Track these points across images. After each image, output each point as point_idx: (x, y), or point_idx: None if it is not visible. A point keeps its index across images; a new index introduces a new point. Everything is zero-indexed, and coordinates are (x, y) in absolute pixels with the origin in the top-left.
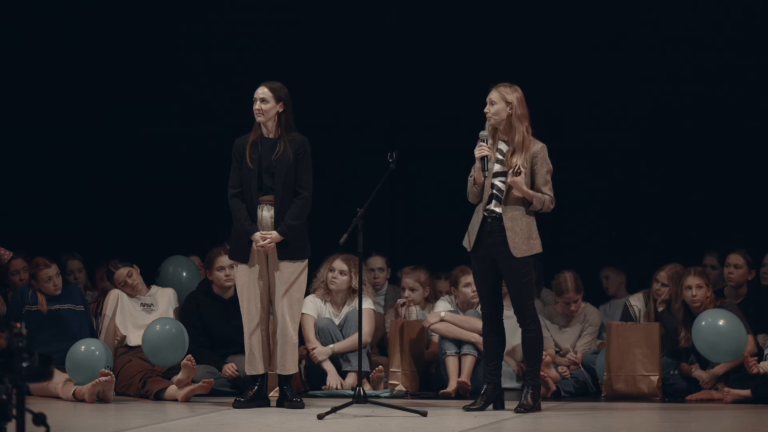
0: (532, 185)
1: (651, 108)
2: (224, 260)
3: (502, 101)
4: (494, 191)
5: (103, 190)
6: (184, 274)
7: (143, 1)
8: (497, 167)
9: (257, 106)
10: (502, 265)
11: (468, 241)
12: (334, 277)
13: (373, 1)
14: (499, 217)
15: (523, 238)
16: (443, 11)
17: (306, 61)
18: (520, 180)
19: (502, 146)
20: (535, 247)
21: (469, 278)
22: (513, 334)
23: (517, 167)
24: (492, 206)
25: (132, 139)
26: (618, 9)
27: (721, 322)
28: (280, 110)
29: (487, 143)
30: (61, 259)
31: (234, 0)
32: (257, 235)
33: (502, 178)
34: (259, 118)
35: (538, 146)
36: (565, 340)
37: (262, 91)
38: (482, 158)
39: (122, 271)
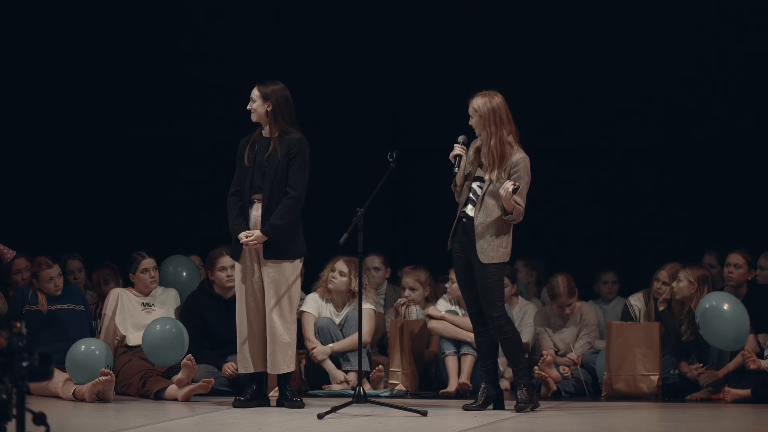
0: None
1: (651, 108)
2: (226, 260)
3: (475, 113)
4: (471, 195)
5: (103, 190)
6: (184, 274)
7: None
8: (478, 171)
9: (249, 106)
10: (473, 266)
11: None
12: (333, 277)
13: (374, 2)
14: (471, 221)
15: (493, 245)
16: (443, 11)
17: (306, 61)
18: (510, 195)
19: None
20: (503, 256)
21: (451, 274)
22: None
23: (514, 186)
24: (467, 209)
25: (133, 139)
26: (620, 9)
27: (725, 306)
28: (269, 109)
29: (461, 145)
30: (61, 259)
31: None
32: (241, 234)
33: (480, 183)
34: (253, 118)
35: (519, 156)
36: (562, 340)
37: (253, 91)
38: (455, 156)
39: (151, 261)
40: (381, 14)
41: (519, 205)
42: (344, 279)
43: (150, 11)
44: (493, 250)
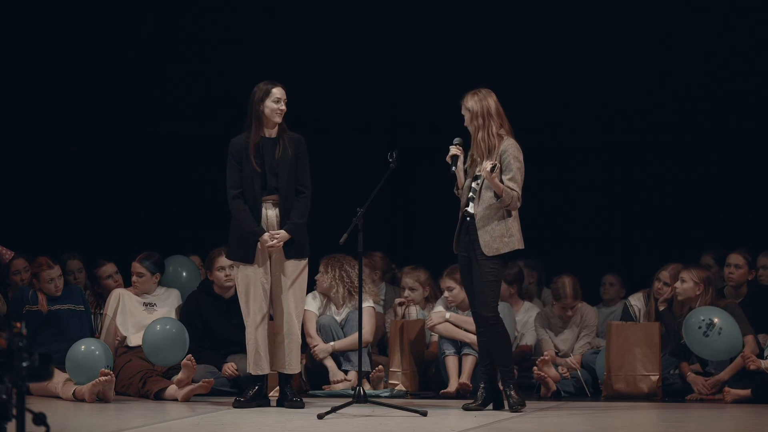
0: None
1: (651, 108)
2: (224, 260)
3: (467, 112)
4: (471, 193)
5: (103, 190)
6: (184, 274)
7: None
8: (476, 170)
9: (282, 107)
10: (474, 263)
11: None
12: (315, 278)
13: (374, 2)
14: (473, 218)
15: (495, 236)
16: (443, 11)
17: (306, 61)
18: (492, 175)
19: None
20: (510, 244)
21: (448, 282)
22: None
23: (494, 166)
24: (469, 208)
25: (132, 139)
26: (622, 8)
27: (715, 320)
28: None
29: (458, 147)
30: (61, 259)
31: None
32: (266, 235)
33: (478, 180)
34: (278, 119)
35: (507, 143)
36: (563, 341)
37: (284, 94)
38: (451, 157)
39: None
40: (381, 14)
41: (512, 189)
42: (322, 277)
43: (151, 11)
44: (496, 241)
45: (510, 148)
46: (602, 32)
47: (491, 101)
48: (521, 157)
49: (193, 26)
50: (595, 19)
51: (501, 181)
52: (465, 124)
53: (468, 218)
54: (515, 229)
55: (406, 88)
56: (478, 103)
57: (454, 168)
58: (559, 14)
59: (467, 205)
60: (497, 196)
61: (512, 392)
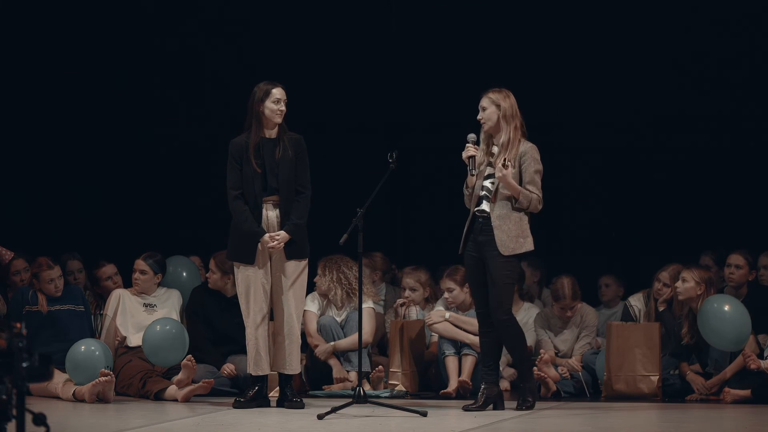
0: (519, 184)
1: (651, 109)
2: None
3: (492, 105)
4: (484, 192)
5: (103, 190)
6: (184, 274)
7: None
8: (488, 169)
9: (282, 107)
10: (489, 263)
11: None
12: (315, 281)
13: (374, 2)
14: (488, 217)
15: (512, 236)
16: (443, 11)
17: (306, 61)
18: (508, 173)
19: (495, 149)
20: (525, 245)
21: (448, 283)
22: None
23: (504, 161)
24: (482, 207)
25: (133, 140)
26: (620, 9)
27: (726, 308)
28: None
29: (473, 144)
30: (60, 259)
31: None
32: (266, 237)
33: (492, 180)
34: (278, 119)
35: (527, 146)
36: (563, 342)
37: (284, 94)
38: (469, 158)
39: (142, 265)
40: (381, 13)
41: (533, 192)
42: (320, 279)
43: (151, 11)
44: (512, 241)
45: (530, 150)
46: (602, 32)
47: (514, 102)
48: (539, 159)
49: (192, 27)
50: (596, 19)
51: (519, 183)
52: (482, 118)
53: (481, 219)
54: (528, 230)
55: (406, 88)
56: (507, 100)
57: (475, 171)
58: (559, 14)
59: (479, 204)
60: (514, 198)
61: (527, 390)
